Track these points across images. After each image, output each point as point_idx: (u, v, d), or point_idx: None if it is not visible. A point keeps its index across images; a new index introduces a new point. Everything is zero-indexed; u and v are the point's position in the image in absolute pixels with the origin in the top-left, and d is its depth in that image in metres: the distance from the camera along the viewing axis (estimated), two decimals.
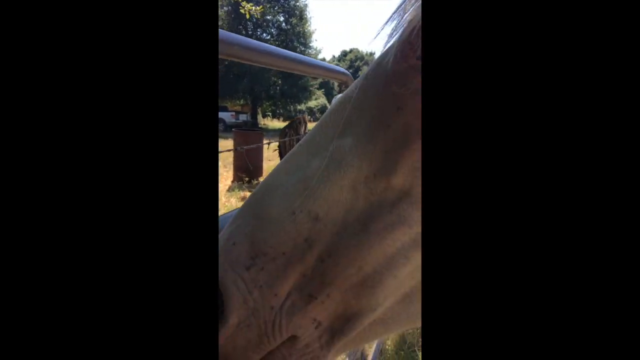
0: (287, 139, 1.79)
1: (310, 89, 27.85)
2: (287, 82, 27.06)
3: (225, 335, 0.39)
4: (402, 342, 2.87)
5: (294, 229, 0.39)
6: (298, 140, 1.80)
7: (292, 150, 0.46)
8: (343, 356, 1.96)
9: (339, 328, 0.41)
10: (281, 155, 1.91)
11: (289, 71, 1.06)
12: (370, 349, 2.56)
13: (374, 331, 0.44)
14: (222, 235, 0.43)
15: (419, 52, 0.38)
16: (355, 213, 0.40)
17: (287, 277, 0.39)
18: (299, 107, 27.97)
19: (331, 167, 0.40)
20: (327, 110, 0.46)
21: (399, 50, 0.41)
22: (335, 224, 0.40)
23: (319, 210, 0.40)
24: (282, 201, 0.41)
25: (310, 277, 0.40)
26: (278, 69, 1.00)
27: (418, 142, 0.37)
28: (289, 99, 27.29)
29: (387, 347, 2.82)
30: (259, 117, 29.50)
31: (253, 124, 24.41)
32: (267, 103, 28.90)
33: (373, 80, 0.43)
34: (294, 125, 1.73)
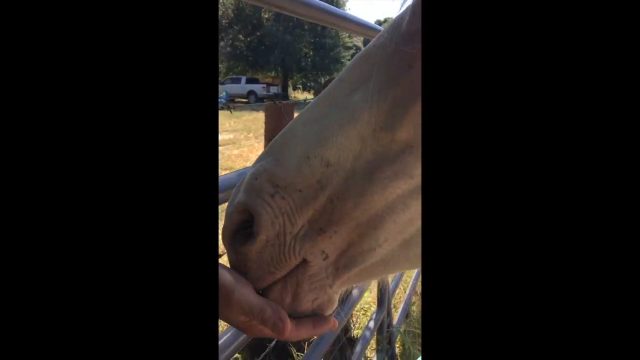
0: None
1: (342, 60, 27.26)
2: (319, 54, 26.57)
3: (255, 249, 0.46)
4: None
5: (309, 171, 0.45)
6: None
7: (311, 102, 0.50)
8: (368, 318, 2.03)
9: (343, 263, 0.47)
10: None
11: (324, 24, 1.06)
12: (396, 313, 2.61)
13: (375, 271, 0.50)
14: (246, 175, 0.49)
15: None
16: (362, 161, 0.44)
17: (303, 211, 0.45)
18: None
19: (344, 118, 0.45)
20: (346, 67, 0.50)
21: (413, 11, 0.44)
22: (345, 170, 0.45)
23: (331, 157, 0.45)
24: (299, 147, 0.46)
25: (321, 213, 0.46)
26: (315, 22, 1.00)
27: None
28: (320, 71, 26.90)
29: (412, 311, 2.87)
30: (290, 89, 29.39)
31: (284, 97, 24.38)
32: (298, 75, 28.66)
33: (388, 39, 0.46)
34: (326, 85, 1.75)
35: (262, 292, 0.49)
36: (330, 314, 0.51)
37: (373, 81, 0.44)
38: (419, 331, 2.63)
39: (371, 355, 2.28)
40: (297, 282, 0.48)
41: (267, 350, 1.46)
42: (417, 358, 1.68)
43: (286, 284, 0.48)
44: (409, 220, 0.45)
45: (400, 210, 0.44)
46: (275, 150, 0.48)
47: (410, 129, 0.42)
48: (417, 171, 0.43)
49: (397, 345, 2.47)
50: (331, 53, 26.43)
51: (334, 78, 0.52)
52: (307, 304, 0.49)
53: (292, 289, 0.48)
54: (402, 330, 2.51)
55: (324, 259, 0.47)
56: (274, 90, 23.78)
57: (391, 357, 2.29)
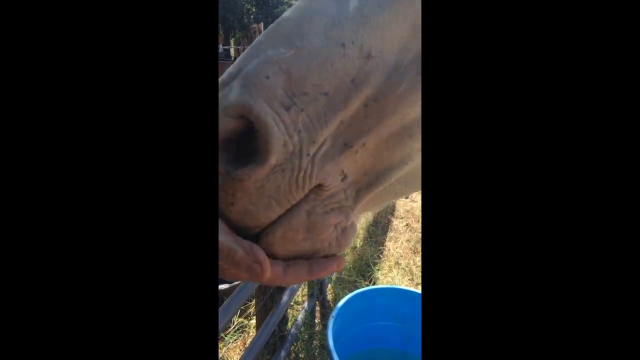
0: (240, 47, 1.76)
1: None
2: (262, 11, 25.28)
3: (258, 177, 0.34)
4: (359, 259, 3.12)
5: (342, 65, 0.33)
6: None
7: None
8: None
9: (364, 184, 0.38)
10: None
11: None
12: None
13: (395, 190, 0.41)
14: (244, 63, 0.34)
15: None
16: (410, 54, 0.35)
17: (327, 123, 0.34)
18: None
19: None
20: None
21: None
22: (387, 64, 0.34)
23: (373, 45, 0.33)
24: (329, 29, 0.33)
25: (349, 123, 0.35)
26: None
27: None
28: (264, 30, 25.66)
29: (345, 261, 3.06)
30: (232, 49, 27.90)
31: (226, 56, 23.11)
32: (240, 33, 27.15)
33: None
34: (249, 35, 1.68)
35: (259, 235, 0.37)
36: (332, 256, 0.40)
37: None
38: (349, 278, 2.84)
39: (303, 301, 2.43)
40: (307, 213, 0.37)
41: None
42: (341, 298, 1.83)
43: (290, 222, 0.36)
44: None
45: None
46: (290, 32, 0.34)
47: None
48: None
49: (329, 292, 2.65)
50: (275, 11, 25.26)
51: None
52: (328, 231, 0.38)
53: (300, 223, 0.37)
54: (333, 278, 2.69)
55: (342, 180, 0.36)
56: None
57: (322, 302, 2.46)
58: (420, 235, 3.48)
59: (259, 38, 0.36)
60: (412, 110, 0.36)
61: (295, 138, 0.33)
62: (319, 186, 0.36)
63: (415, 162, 0.39)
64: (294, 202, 0.36)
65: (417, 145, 0.38)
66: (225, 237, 0.35)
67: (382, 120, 0.35)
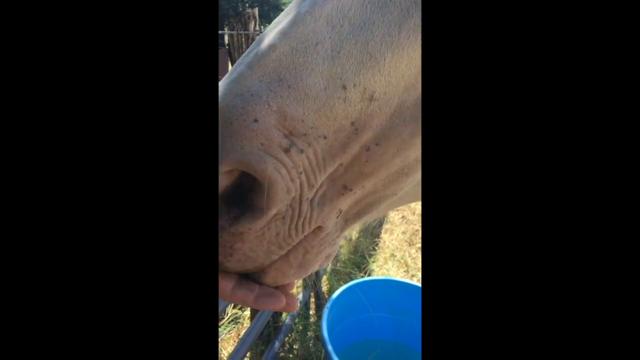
0: (234, 32, 1.71)
1: (282, 7, 25.90)
2: (257, 0, 24.95)
3: (258, 227, 0.33)
4: (354, 250, 3.12)
5: (342, 109, 0.30)
6: (247, 35, 1.72)
7: None
8: None
9: (355, 212, 0.38)
10: (230, 52, 1.84)
11: None
12: None
13: (379, 213, 0.41)
14: (227, 106, 0.30)
15: None
16: (415, 95, 0.32)
17: (325, 166, 0.32)
18: None
19: (406, 31, 0.31)
20: None
21: None
22: (391, 106, 0.32)
23: (377, 87, 0.31)
24: (328, 67, 0.30)
25: (348, 166, 0.33)
26: None
27: None
28: (260, 19, 25.37)
29: (339, 254, 3.07)
30: (225, 35, 27.60)
31: (220, 45, 22.85)
32: (234, 19, 26.84)
33: None
34: (243, 20, 1.61)
35: (254, 274, 0.38)
36: (281, 292, 0.39)
37: None
38: (344, 270, 2.84)
39: (298, 292, 2.43)
40: (304, 251, 0.37)
41: None
42: (336, 290, 1.82)
43: (288, 259, 0.36)
44: None
45: None
46: (281, 66, 0.30)
47: None
48: None
49: (324, 283, 2.65)
50: None
51: None
52: (316, 265, 0.39)
53: (296, 261, 0.37)
54: (328, 269, 2.69)
55: (337, 216, 0.36)
56: None
57: (317, 294, 2.46)
58: (416, 227, 3.49)
59: (239, 69, 0.32)
60: (413, 152, 0.34)
61: (297, 182, 0.32)
62: (319, 227, 0.36)
63: (405, 190, 0.39)
64: (293, 244, 0.36)
65: (411, 179, 0.37)
66: None
67: (383, 164, 0.34)
